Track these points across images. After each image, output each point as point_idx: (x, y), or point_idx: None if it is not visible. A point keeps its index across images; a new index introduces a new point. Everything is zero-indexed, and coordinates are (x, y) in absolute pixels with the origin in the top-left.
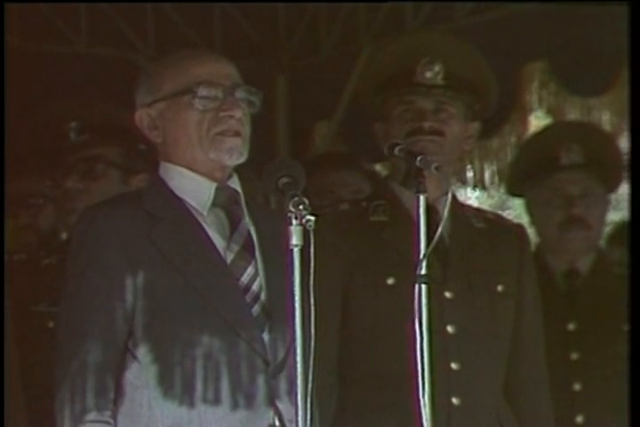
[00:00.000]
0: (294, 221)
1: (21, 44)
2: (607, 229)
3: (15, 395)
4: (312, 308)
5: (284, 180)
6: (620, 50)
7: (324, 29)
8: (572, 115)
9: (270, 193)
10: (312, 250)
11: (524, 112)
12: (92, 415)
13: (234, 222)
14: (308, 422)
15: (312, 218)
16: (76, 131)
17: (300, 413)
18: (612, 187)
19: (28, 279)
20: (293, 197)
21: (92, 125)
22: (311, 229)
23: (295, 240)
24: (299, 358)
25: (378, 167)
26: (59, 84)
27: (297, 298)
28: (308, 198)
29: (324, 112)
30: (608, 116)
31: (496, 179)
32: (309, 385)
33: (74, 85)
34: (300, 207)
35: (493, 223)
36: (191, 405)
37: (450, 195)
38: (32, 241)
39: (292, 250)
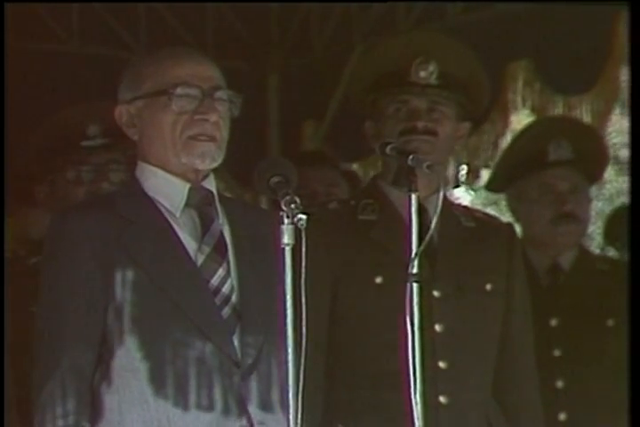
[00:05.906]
0: (286, 220)
1: (15, 43)
2: (601, 224)
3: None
4: (304, 307)
5: (276, 179)
6: (602, 49)
7: (316, 28)
8: (555, 113)
9: (261, 192)
10: (304, 249)
11: (506, 110)
12: (68, 420)
13: (206, 224)
14: (299, 423)
15: (304, 217)
16: (94, 133)
17: (292, 412)
18: (594, 181)
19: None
20: (285, 196)
21: (109, 128)
22: (303, 227)
23: (287, 239)
24: (290, 358)
25: (364, 166)
26: (53, 84)
27: (289, 297)
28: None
29: (317, 111)
30: (590, 114)
31: (471, 176)
32: (301, 384)
33: (68, 85)
34: (292, 206)
35: (483, 222)
36: (161, 409)
37: (441, 194)
38: (37, 238)
39: (283, 249)
